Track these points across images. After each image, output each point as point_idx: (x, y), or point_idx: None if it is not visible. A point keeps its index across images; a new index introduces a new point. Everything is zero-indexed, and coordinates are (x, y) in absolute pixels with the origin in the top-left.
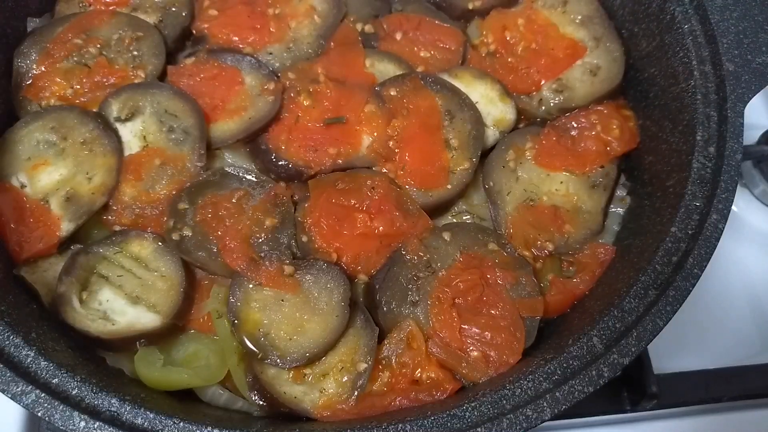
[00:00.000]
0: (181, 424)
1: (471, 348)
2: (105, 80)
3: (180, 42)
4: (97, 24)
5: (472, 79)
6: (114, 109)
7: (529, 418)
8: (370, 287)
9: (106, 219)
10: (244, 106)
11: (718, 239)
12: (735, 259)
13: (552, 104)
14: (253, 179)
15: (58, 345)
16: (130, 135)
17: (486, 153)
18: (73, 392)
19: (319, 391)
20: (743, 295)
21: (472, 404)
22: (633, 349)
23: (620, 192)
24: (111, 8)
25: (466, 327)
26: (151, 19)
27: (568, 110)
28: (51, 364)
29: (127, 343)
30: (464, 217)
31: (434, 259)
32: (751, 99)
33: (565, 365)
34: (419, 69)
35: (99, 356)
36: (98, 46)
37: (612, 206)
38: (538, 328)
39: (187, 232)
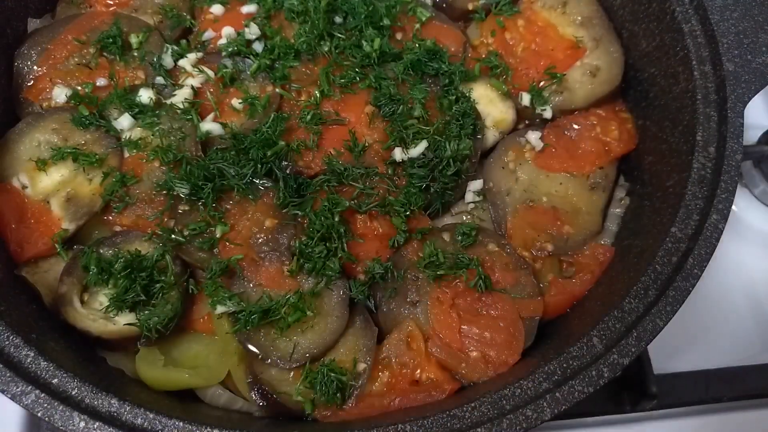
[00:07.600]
0: (181, 424)
1: (470, 348)
2: (106, 81)
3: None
4: (98, 25)
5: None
6: (114, 111)
7: (529, 418)
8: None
9: (106, 219)
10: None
11: (718, 239)
12: (735, 259)
13: (551, 105)
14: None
15: (58, 345)
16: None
17: (486, 154)
18: (73, 392)
19: None
20: (743, 295)
21: (472, 404)
22: (633, 350)
23: (619, 193)
24: (112, 9)
25: (465, 327)
26: (151, 20)
27: (568, 111)
28: (51, 364)
29: (128, 342)
30: (464, 218)
31: None
32: (751, 99)
33: (565, 365)
34: None
35: (99, 356)
36: (99, 47)
37: (611, 207)
38: (537, 328)
39: (188, 233)
